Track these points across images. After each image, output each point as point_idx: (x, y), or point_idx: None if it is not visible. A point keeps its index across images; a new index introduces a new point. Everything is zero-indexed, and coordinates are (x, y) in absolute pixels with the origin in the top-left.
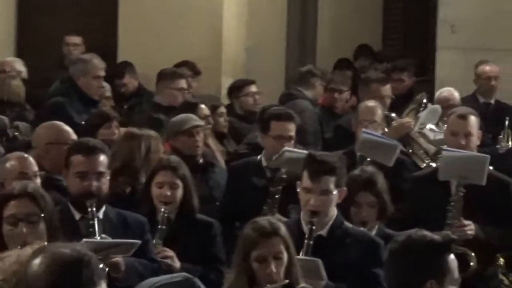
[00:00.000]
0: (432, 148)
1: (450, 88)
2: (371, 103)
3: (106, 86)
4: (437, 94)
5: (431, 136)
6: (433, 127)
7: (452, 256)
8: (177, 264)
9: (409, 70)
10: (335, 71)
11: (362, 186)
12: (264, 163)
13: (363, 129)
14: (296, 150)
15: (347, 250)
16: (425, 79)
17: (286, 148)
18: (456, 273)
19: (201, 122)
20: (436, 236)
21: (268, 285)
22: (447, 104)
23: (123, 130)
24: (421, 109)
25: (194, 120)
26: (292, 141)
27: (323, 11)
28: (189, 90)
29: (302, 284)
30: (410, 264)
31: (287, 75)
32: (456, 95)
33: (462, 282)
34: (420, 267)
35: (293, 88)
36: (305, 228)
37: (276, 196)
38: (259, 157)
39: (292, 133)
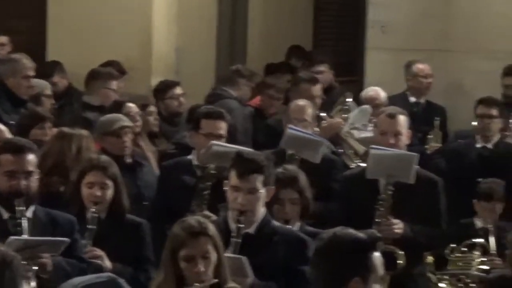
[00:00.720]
0: (361, 148)
1: (376, 88)
2: (301, 102)
3: (46, 84)
4: (363, 93)
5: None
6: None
7: (377, 254)
8: (107, 264)
9: (327, 62)
10: (275, 75)
11: (285, 183)
12: (194, 162)
13: (289, 125)
14: (224, 144)
15: (274, 248)
16: (355, 79)
17: (213, 142)
18: (381, 271)
19: (129, 123)
20: (361, 234)
21: (196, 284)
22: (373, 104)
23: (54, 130)
24: (346, 108)
25: (122, 120)
26: (223, 140)
27: (253, 11)
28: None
29: (231, 283)
30: (335, 262)
31: (217, 75)
32: (382, 94)
33: (390, 280)
34: (345, 265)
35: (219, 88)
36: (233, 226)
37: (205, 193)
38: (190, 156)
39: (223, 131)
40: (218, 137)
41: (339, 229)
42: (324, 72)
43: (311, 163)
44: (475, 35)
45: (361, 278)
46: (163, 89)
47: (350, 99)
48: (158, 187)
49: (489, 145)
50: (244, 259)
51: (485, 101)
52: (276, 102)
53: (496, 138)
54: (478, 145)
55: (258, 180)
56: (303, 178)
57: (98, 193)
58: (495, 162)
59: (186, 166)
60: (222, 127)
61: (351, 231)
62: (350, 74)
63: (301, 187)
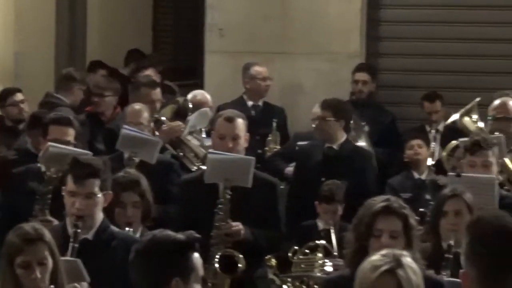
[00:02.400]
0: (202, 151)
1: (202, 91)
2: (137, 106)
3: None
4: (190, 97)
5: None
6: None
7: (196, 254)
8: None
9: (157, 66)
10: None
11: (127, 187)
12: (43, 169)
13: (124, 126)
14: (60, 146)
15: (113, 253)
16: (195, 82)
17: (50, 143)
18: (201, 271)
19: None
20: (179, 235)
21: None
22: (201, 107)
23: None
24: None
25: None
26: (71, 146)
27: (92, 15)
28: None
29: None
30: (156, 263)
31: (57, 80)
32: (209, 97)
33: (231, 283)
34: (165, 266)
35: (50, 96)
36: (71, 231)
37: (47, 197)
38: (38, 164)
39: (70, 137)
40: (66, 143)
41: (158, 232)
42: (152, 77)
43: (149, 166)
44: (313, 37)
45: (182, 279)
46: (3, 97)
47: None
48: (4, 195)
49: (335, 146)
50: (79, 261)
51: (322, 104)
52: (99, 99)
53: (342, 139)
54: (326, 146)
55: (95, 184)
56: (144, 182)
57: None
58: (340, 163)
59: (35, 172)
60: (69, 133)
61: (170, 232)
62: (190, 77)
63: (142, 190)
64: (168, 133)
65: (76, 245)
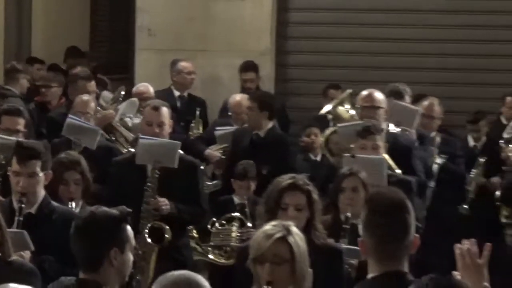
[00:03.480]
0: (130, 136)
1: (146, 84)
2: (85, 97)
3: None
4: (134, 88)
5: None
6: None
7: (128, 227)
8: None
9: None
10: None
11: (69, 166)
12: None
13: (69, 115)
14: (6, 137)
15: (53, 225)
16: (127, 76)
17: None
18: (133, 241)
19: None
20: (114, 211)
21: None
22: (143, 97)
23: None
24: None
25: None
26: (20, 134)
27: (36, 17)
28: None
29: (14, 257)
30: (96, 235)
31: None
32: (151, 89)
33: (159, 252)
34: (105, 237)
35: (1, 87)
36: (16, 206)
37: None
38: None
39: (20, 126)
40: (16, 132)
41: (95, 208)
42: (87, 71)
43: (90, 151)
44: (230, 37)
45: (119, 248)
46: None
47: (123, 92)
48: None
49: (261, 133)
50: (25, 233)
51: (250, 96)
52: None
53: (267, 127)
54: (254, 132)
55: (37, 165)
56: (84, 162)
57: None
58: (265, 148)
59: None
60: (20, 123)
61: (105, 208)
62: (123, 72)
63: (82, 169)
64: (102, 120)
65: (21, 218)
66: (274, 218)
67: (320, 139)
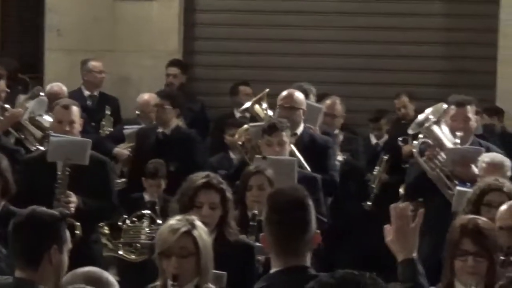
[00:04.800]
0: (39, 133)
1: (59, 84)
2: None
3: None
4: (48, 88)
5: (47, 123)
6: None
7: (65, 225)
8: None
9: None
10: None
11: None
12: None
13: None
14: None
15: None
16: (37, 76)
17: None
18: (70, 244)
19: None
20: (54, 211)
21: None
22: (57, 97)
23: None
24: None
25: None
26: None
27: None
28: None
29: None
30: (37, 231)
31: None
32: (65, 89)
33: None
34: (46, 234)
35: None
36: None
37: None
38: None
39: None
40: None
41: (35, 207)
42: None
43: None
44: (138, 37)
45: (58, 246)
46: None
47: (41, 92)
48: None
49: (167, 131)
50: None
51: (159, 94)
52: None
53: (173, 125)
54: (159, 130)
55: None
56: (4, 162)
57: None
58: (171, 145)
59: None
60: None
61: (45, 208)
62: (33, 72)
63: (2, 169)
64: (10, 118)
65: None
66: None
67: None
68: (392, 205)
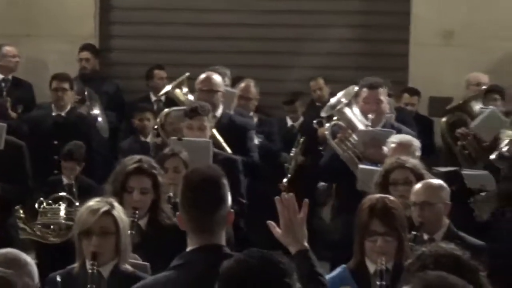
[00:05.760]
0: None
1: None
2: None
3: None
4: None
5: None
6: None
7: None
8: None
9: None
10: None
11: None
12: None
13: None
14: None
15: None
16: None
17: None
18: None
19: None
20: None
21: None
22: None
23: None
24: None
25: None
26: None
27: None
28: None
29: None
30: None
31: None
32: None
33: None
34: None
35: None
36: None
37: None
38: None
39: None
40: None
41: None
42: None
43: None
44: (54, 22)
45: None
46: None
47: None
48: None
49: (63, 113)
50: None
51: (58, 77)
52: None
53: (69, 107)
54: (54, 113)
55: None
56: None
57: None
58: (68, 127)
59: None
60: None
61: None
62: None
63: None
64: None
65: None
66: (120, 201)
67: (156, 121)
68: (277, 197)
